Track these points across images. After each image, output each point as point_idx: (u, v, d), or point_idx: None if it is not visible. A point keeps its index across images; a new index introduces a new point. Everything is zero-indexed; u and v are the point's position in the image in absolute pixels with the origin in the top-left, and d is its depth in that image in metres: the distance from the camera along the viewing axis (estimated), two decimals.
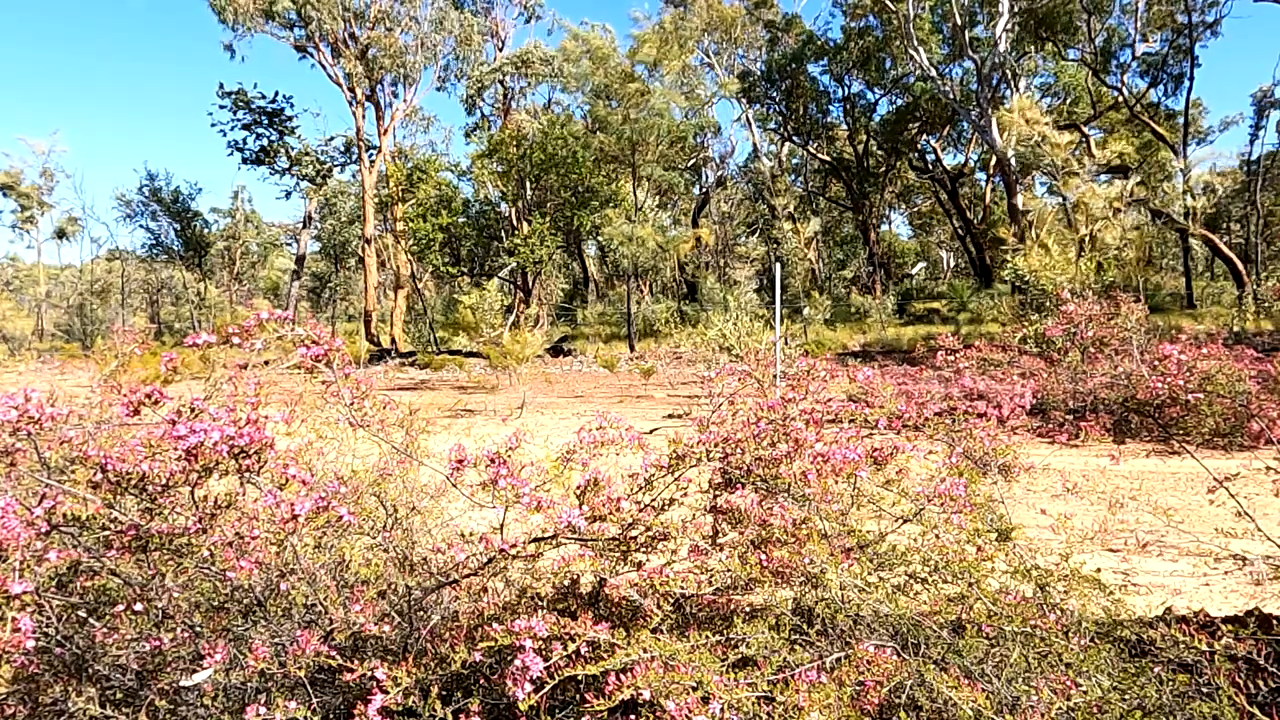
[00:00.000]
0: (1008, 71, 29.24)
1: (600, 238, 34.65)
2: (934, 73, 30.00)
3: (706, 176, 41.98)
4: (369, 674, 1.82)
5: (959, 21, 28.59)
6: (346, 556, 2.17)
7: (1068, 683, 1.90)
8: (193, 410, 2.02)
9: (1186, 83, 29.07)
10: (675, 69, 32.25)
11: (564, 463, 2.36)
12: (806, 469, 2.29)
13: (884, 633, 2.11)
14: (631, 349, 28.80)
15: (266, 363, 2.89)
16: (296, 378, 3.29)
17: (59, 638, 2.07)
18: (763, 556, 2.18)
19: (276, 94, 39.75)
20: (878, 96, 37.27)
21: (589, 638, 1.82)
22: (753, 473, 2.39)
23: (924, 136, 36.98)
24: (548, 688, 1.77)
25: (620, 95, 30.95)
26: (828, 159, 39.63)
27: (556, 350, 28.68)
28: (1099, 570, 2.51)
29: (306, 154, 36.14)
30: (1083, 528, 2.87)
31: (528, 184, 29.30)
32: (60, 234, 47.63)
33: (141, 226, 44.34)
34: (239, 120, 34.64)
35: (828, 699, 1.72)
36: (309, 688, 1.98)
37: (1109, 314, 9.75)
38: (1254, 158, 34.10)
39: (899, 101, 36.22)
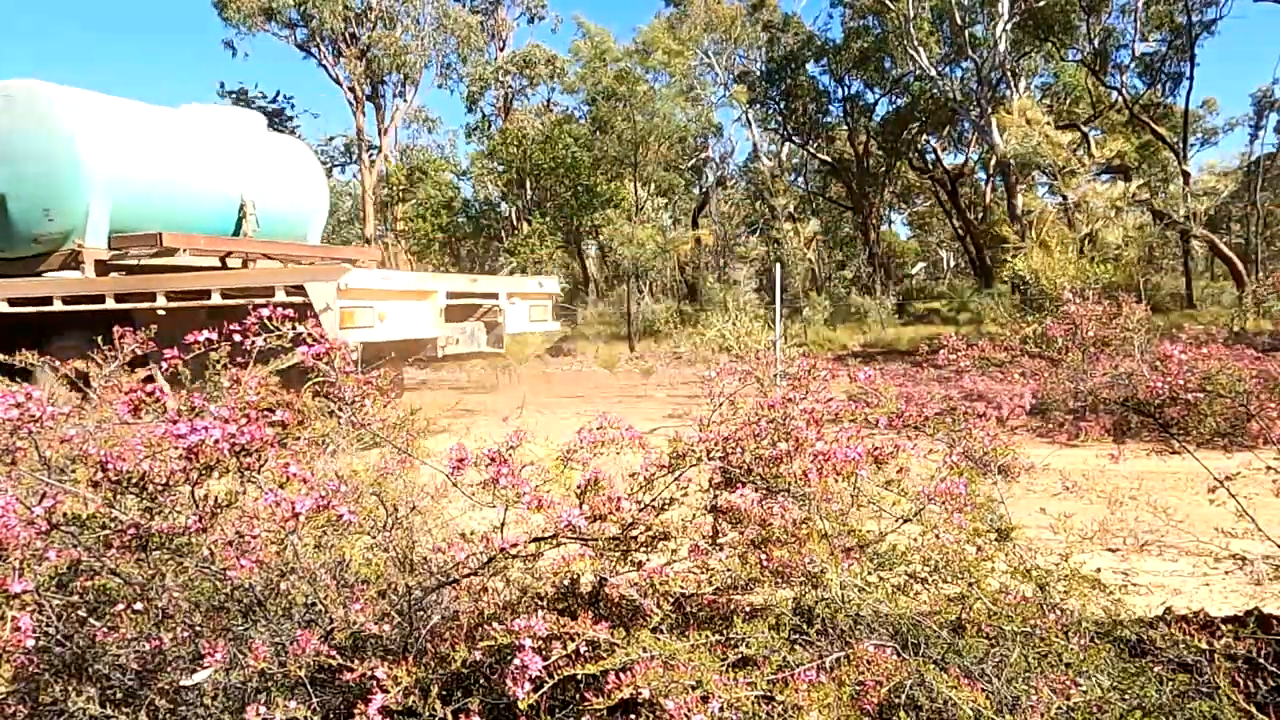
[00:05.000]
0: (1007, 71, 29.22)
1: (600, 238, 34.62)
2: (934, 73, 29.97)
3: (706, 176, 41.93)
4: (369, 673, 1.82)
5: (959, 21, 28.57)
6: (346, 556, 2.17)
7: (1068, 682, 1.90)
8: (193, 409, 2.03)
9: (1186, 82, 29.05)
10: (679, 70, 32.20)
11: (564, 462, 2.36)
12: (807, 468, 2.29)
13: (884, 632, 2.11)
14: (631, 349, 28.76)
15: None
16: None
17: (59, 637, 2.07)
18: (763, 556, 2.17)
19: (278, 94, 39.76)
20: (877, 97, 37.21)
21: (589, 637, 1.82)
22: (753, 472, 2.39)
23: (924, 136, 36.93)
24: (547, 687, 1.77)
25: (625, 96, 30.88)
26: (828, 159, 39.59)
27: (556, 350, 28.63)
28: (1099, 570, 2.51)
29: None
30: (1082, 527, 2.87)
31: (528, 184, 29.27)
32: None
33: None
34: None
35: (827, 698, 1.72)
36: (309, 687, 1.98)
37: (1110, 314, 9.72)
38: (1254, 158, 34.10)
39: (899, 102, 36.15)
